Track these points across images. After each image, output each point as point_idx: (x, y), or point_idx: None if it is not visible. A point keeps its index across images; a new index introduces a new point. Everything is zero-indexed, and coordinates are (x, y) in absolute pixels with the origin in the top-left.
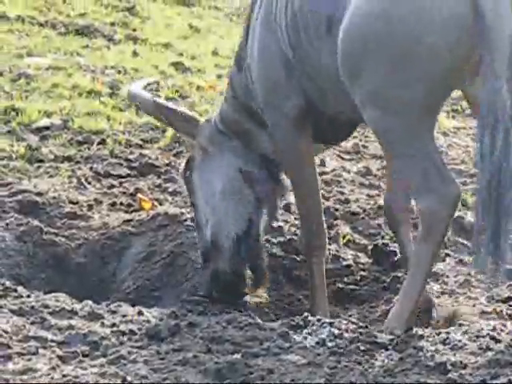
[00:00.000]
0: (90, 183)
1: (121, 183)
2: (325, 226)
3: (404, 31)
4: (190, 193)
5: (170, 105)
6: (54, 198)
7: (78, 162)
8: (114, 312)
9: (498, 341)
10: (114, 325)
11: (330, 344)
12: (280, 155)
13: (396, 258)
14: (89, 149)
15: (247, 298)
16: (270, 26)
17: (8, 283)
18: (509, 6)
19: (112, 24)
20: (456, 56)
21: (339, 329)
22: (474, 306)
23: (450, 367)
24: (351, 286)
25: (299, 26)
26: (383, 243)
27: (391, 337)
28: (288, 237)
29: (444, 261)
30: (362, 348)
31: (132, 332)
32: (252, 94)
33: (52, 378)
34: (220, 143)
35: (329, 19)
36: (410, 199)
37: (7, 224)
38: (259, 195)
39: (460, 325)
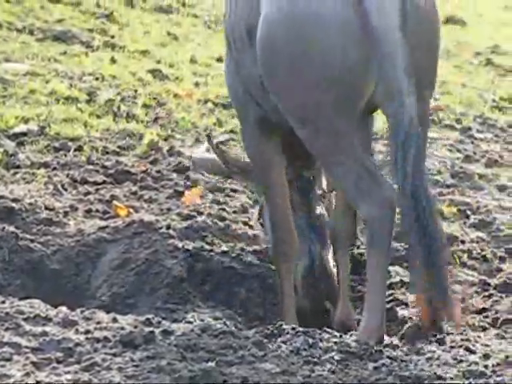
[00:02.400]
0: (66, 190)
1: (97, 190)
2: (295, 234)
3: (301, 36)
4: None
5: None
6: (30, 204)
7: (54, 169)
8: (88, 319)
9: (471, 352)
10: (88, 331)
11: (304, 353)
12: (250, 160)
13: None
14: (65, 155)
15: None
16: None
17: None
18: (395, 7)
19: (90, 30)
20: (352, 58)
21: (314, 338)
22: None
23: (424, 378)
24: None
25: (234, 38)
26: (358, 253)
27: (365, 346)
28: (264, 245)
29: None
30: (337, 357)
31: (106, 339)
32: None
33: None
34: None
35: (248, 30)
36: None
37: None
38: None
39: (434, 335)
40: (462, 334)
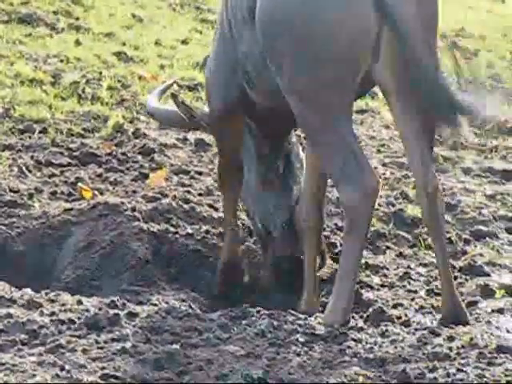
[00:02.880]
0: (30, 172)
1: (62, 172)
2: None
3: (305, 10)
4: None
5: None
6: None
7: (19, 151)
8: (53, 301)
9: (436, 334)
10: (53, 314)
11: (269, 335)
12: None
13: (337, 250)
14: (30, 137)
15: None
16: (221, 19)
17: None
18: None
19: (55, 13)
20: (354, 30)
21: (278, 320)
22: (412, 299)
23: (388, 360)
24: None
25: (231, 18)
26: (324, 235)
27: (330, 329)
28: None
29: (384, 253)
30: (301, 340)
31: (71, 321)
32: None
33: None
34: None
35: (249, 6)
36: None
37: None
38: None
39: (398, 318)
40: (426, 316)
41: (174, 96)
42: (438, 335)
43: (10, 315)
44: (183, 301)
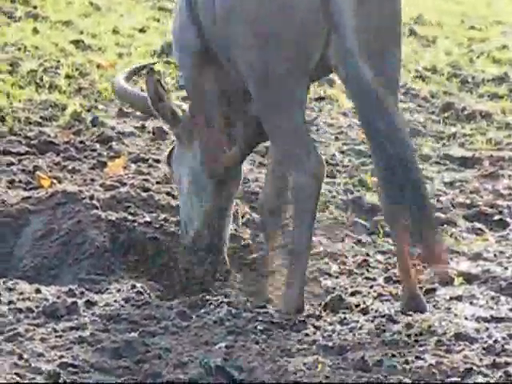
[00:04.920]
0: None
1: (19, 160)
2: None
3: None
4: (173, 178)
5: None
6: None
7: None
8: (11, 289)
9: (394, 322)
10: (11, 302)
11: (227, 323)
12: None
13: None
14: None
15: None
16: None
17: None
18: None
19: (12, 1)
20: (308, 19)
21: (237, 308)
22: (371, 286)
23: (347, 347)
24: (250, 266)
25: None
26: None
27: (289, 316)
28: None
29: (342, 241)
30: (260, 327)
31: (29, 310)
32: None
33: None
34: (189, 134)
35: None
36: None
37: None
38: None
39: (357, 305)
40: (385, 303)
41: (150, 72)
42: (397, 322)
43: None
44: (141, 289)
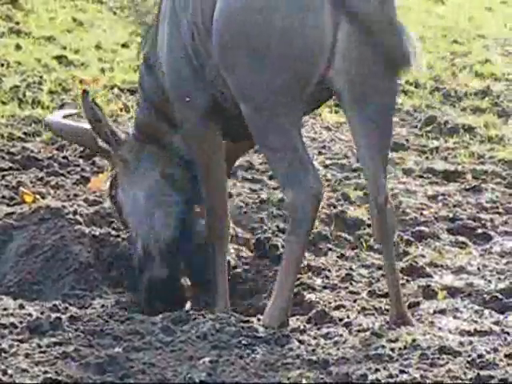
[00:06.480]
0: None
1: (3, 176)
2: (229, 218)
3: (258, 19)
4: (119, 212)
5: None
6: None
7: None
8: None
9: (378, 336)
10: None
11: (211, 338)
12: (189, 149)
13: (279, 252)
14: None
15: (188, 304)
16: (175, 24)
17: None
18: None
19: None
20: (311, 44)
21: (221, 323)
22: (355, 300)
23: (331, 362)
24: (234, 280)
25: (193, 23)
26: (265, 237)
27: (273, 331)
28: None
29: (326, 255)
30: (244, 342)
31: (13, 325)
32: (164, 92)
33: None
34: (138, 151)
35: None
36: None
37: None
38: (186, 195)
39: (341, 320)
40: (369, 317)
41: (85, 94)
42: (381, 336)
43: None
44: (125, 304)
